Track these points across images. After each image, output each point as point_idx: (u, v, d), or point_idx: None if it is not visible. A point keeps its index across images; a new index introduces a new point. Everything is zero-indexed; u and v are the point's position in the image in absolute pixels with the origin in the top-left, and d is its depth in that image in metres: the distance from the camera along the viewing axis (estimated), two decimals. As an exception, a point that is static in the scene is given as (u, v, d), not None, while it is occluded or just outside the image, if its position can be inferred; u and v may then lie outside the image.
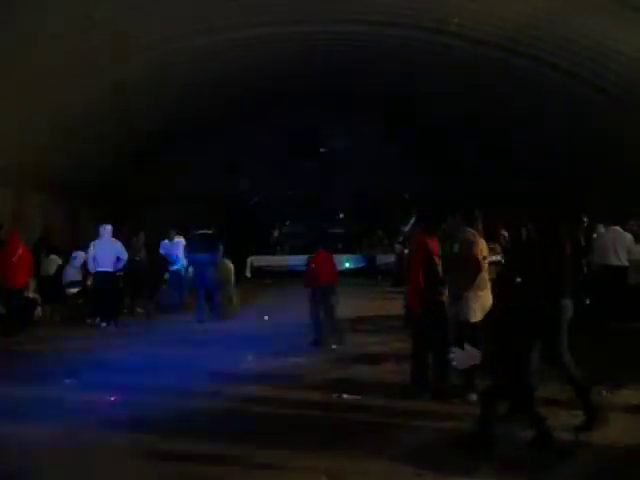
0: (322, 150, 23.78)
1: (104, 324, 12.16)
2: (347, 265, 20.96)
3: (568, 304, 6.18)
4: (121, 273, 13.26)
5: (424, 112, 20.82)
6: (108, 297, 12.46)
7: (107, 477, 5.03)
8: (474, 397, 6.31)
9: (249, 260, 21.70)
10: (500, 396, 5.38)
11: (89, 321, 12.42)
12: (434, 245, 7.16)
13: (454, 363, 5.65)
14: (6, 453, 5.39)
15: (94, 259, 12.45)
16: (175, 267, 14.77)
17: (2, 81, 12.13)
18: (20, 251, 11.62)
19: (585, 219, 12.39)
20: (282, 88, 18.96)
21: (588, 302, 10.38)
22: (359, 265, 22.48)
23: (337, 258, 19.61)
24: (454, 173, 22.00)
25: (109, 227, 12.74)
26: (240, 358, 8.98)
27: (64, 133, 15.78)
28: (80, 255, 13.15)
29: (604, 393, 6.75)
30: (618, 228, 11.42)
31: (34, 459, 5.26)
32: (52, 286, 13.19)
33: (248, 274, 21.00)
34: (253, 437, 5.71)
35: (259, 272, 21.78)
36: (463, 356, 5.41)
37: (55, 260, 13.80)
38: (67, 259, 13.77)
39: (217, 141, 22.48)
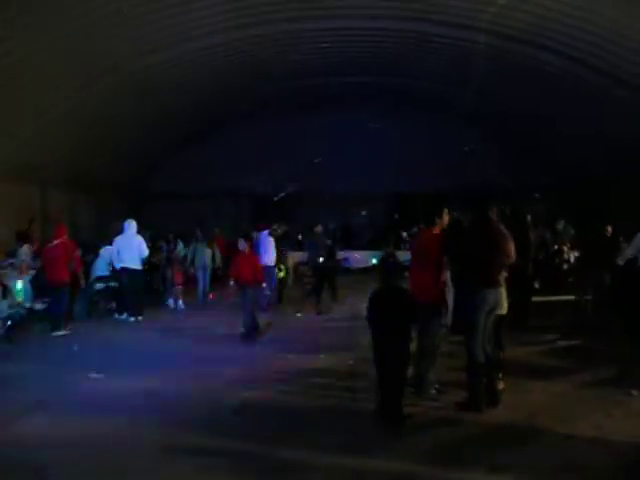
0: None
1: (132, 319, 12.26)
2: (373, 261, 20.85)
3: (486, 293, 6.27)
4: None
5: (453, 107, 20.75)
6: (134, 293, 12.55)
7: (128, 470, 5.07)
8: (434, 391, 6.71)
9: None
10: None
11: (116, 316, 12.53)
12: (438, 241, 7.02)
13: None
14: (34, 447, 5.46)
15: (117, 254, 12.54)
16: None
17: (25, 79, 12.26)
18: (55, 245, 11.28)
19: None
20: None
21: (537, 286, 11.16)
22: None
23: (364, 254, 19.62)
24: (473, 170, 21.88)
25: (134, 223, 12.80)
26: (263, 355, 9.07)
27: (88, 130, 15.96)
28: (107, 251, 13.23)
29: (634, 393, 6.70)
30: None
31: (60, 452, 5.32)
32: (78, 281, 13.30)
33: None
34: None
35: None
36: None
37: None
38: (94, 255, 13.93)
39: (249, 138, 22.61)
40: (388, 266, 6.54)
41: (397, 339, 6.01)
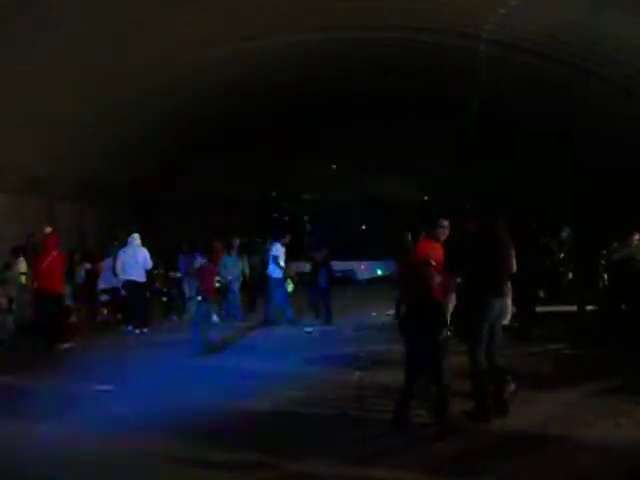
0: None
1: (137, 331, 12.28)
2: (379, 272, 20.63)
3: (491, 303, 6.24)
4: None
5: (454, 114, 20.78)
6: (140, 305, 12.57)
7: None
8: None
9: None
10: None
11: (122, 328, 12.55)
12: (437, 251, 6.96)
13: None
14: (39, 457, 5.47)
15: (122, 267, 12.56)
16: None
17: (31, 91, 12.32)
18: (51, 256, 11.09)
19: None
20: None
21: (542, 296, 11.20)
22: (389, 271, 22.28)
23: (369, 265, 19.36)
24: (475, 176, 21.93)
25: (137, 235, 12.83)
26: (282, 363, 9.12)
27: (97, 141, 16.02)
28: (109, 263, 13.27)
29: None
30: None
31: (65, 463, 5.33)
32: (84, 293, 13.36)
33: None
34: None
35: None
36: None
37: (85, 267, 14.00)
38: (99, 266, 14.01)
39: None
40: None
41: (432, 349, 6.02)
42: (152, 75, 14.62)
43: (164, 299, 15.12)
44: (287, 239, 13.76)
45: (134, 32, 12.16)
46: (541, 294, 12.51)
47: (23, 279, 11.66)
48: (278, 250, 13.29)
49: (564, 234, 15.59)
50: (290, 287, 14.59)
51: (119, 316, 13.04)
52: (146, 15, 11.77)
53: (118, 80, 13.94)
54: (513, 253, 6.53)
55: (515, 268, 6.56)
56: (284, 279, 13.61)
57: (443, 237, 7.01)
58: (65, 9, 10.64)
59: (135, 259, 12.53)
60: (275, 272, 13.23)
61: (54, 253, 11.20)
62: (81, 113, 14.52)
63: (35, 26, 10.63)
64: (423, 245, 7.08)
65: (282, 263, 13.26)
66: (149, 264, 12.76)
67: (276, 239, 13.74)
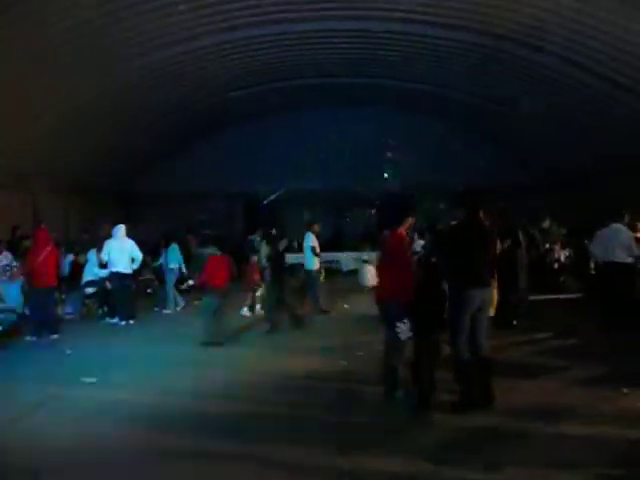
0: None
1: (123, 323, 12.23)
2: (364, 261, 20.62)
3: (473, 293, 6.29)
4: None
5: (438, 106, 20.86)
6: (125, 297, 12.53)
7: (120, 477, 5.07)
8: (401, 394, 6.72)
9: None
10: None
11: (108, 320, 12.50)
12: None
13: (400, 335, 6.55)
14: (27, 452, 5.46)
15: (108, 259, 12.49)
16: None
17: (15, 88, 12.21)
18: (48, 250, 11.12)
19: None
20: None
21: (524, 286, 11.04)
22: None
23: (354, 256, 19.26)
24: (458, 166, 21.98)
25: (122, 227, 12.74)
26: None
27: (79, 135, 15.94)
28: (95, 255, 13.19)
29: (625, 391, 6.76)
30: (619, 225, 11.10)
31: (52, 459, 5.33)
32: (68, 285, 13.29)
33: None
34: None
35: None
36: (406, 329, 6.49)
37: (70, 258, 13.94)
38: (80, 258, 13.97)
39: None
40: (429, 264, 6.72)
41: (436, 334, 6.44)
42: (134, 68, 14.53)
43: (149, 290, 15.06)
44: (317, 228, 13.48)
45: (114, 25, 12.08)
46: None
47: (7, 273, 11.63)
48: (313, 240, 13.09)
49: (545, 225, 15.71)
50: (322, 277, 14.24)
51: (104, 308, 12.95)
52: (127, 7, 11.72)
53: (101, 74, 13.86)
54: (496, 243, 6.55)
55: (497, 258, 6.60)
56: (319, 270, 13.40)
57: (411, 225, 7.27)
58: (47, 6, 10.60)
59: (121, 250, 12.46)
60: (312, 263, 13.08)
61: (49, 247, 11.20)
62: (64, 109, 14.46)
63: (14, 24, 10.56)
64: (399, 234, 7.09)
65: (318, 253, 13.08)
66: (138, 254, 12.69)
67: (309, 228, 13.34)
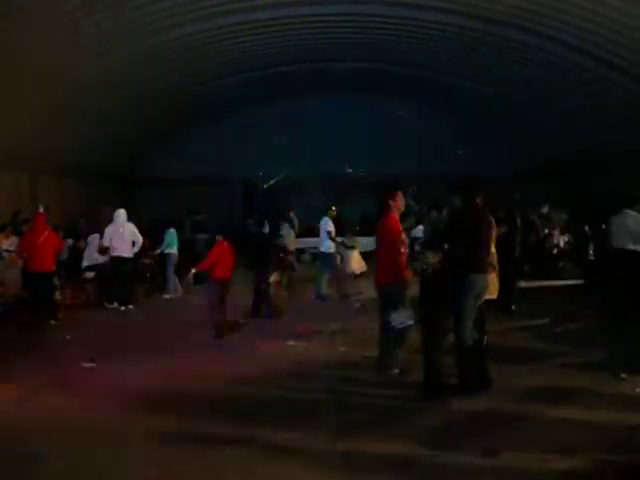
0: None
1: (122, 308, 12.24)
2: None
3: (475, 279, 6.29)
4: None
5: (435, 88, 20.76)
6: (125, 282, 12.52)
7: (120, 461, 5.07)
8: (396, 371, 6.95)
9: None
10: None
11: (107, 305, 12.50)
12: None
13: (393, 323, 6.67)
14: (27, 436, 5.48)
15: (110, 244, 12.47)
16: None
17: (11, 68, 12.13)
18: (46, 234, 11.09)
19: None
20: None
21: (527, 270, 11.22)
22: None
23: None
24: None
25: (122, 211, 12.72)
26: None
27: (77, 117, 15.87)
28: (96, 239, 13.17)
29: (624, 376, 6.78)
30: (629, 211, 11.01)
31: (53, 442, 5.34)
32: (68, 269, 13.26)
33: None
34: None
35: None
36: (399, 316, 6.55)
37: (68, 243, 13.89)
38: (79, 243, 13.96)
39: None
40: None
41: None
42: (135, 49, 14.44)
43: (148, 275, 15.06)
44: (334, 211, 13.47)
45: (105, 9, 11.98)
46: (526, 268, 12.59)
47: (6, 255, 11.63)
48: (329, 225, 13.13)
49: (544, 210, 15.69)
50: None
51: (103, 293, 12.95)
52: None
53: (100, 55, 13.76)
54: (494, 228, 6.55)
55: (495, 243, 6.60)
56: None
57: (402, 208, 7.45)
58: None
59: (121, 235, 12.44)
60: (328, 247, 13.14)
61: (46, 232, 11.16)
62: (62, 91, 14.36)
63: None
64: (392, 218, 7.24)
65: (334, 237, 13.17)
66: (138, 238, 12.68)
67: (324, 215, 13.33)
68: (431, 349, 6.41)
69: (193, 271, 10.15)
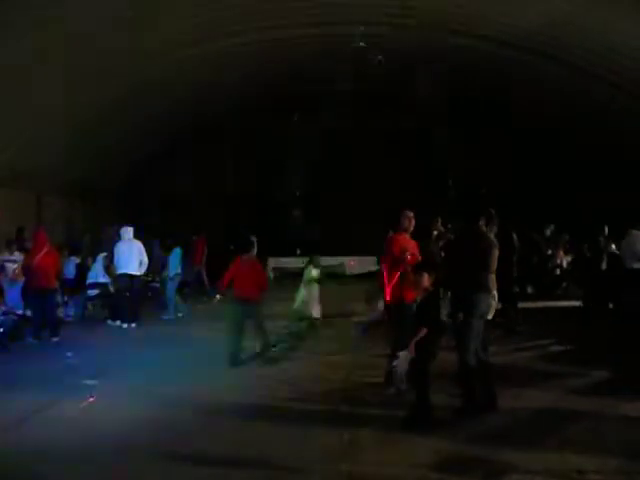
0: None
1: (125, 326, 12.23)
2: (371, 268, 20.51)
3: (479, 299, 6.28)
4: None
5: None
6: (130, 299, 12.52)
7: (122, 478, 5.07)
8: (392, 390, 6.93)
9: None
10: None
11: (110, 322, 12.49)
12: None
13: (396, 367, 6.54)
14: (28, 455, 5.45)
15: (117, 261, 12.50)
16: None
17: (18, 86, 12.24)
18: (45, 250, 11.08)
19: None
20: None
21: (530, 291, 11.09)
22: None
23: (360, 260, 19.23)
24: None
25: (130, 229, 12.74)
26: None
27: (82, 136, 15.96)
28: (103, 257, 13.20)
29: (628, 397, 6.73)
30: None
31: (53, 461, 5.32)
32: (72, 287, 13.28)
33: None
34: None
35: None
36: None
37: (74, 261, 13.90)
38: (85, 260, 13.97)
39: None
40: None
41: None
42: (138, 74, 14.57)
43: (149, 294, 15.03)
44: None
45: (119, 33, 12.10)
46: (529, 290, 12.51)
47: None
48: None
49: (548, 231, 15.67)
50: None
51: (106, 311, 12.94)
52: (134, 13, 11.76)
53: (104, 79, 13.89)
54: (497, 248, 6.55)
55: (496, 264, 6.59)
56: None
57: (411, 228, 7.51)
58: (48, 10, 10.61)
59: (129, 252, 12.45)
60: None
61: (45, 249, 11.16)
62: (66, 112, 14.46)
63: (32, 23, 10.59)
64: (398, 238, 7.37)
65: None
66: (145, 258, 12.65)
67: None
68: (420, 374, 6.24)
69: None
